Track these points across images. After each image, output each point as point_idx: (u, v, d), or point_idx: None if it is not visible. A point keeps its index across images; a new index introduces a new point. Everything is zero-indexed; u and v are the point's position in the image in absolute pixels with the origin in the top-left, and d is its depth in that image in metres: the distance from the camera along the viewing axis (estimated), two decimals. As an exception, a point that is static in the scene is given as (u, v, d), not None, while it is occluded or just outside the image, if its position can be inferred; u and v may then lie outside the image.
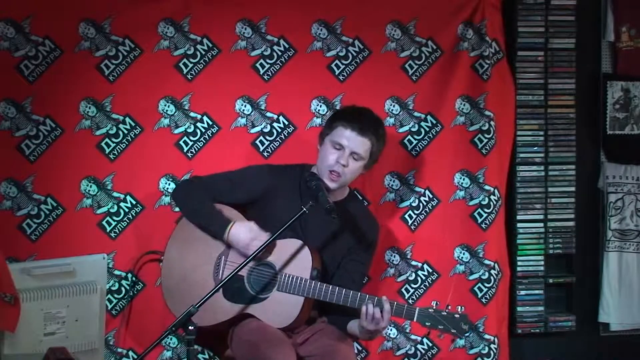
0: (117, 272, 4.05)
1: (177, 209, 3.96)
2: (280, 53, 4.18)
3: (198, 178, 3.94)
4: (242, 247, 3.66)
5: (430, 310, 3.51)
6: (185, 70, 4.11)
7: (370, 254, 3.88)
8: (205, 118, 4.14)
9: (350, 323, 3.71)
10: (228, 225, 3.69)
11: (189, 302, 3.39)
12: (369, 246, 3.86)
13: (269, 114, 4.18)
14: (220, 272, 3.71)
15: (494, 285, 4.32)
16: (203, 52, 4.12)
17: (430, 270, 4.29)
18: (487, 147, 4.31)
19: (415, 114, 4.28)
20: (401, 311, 3.54)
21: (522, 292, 4.48)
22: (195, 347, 3.43)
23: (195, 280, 3.70)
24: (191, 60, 4.12)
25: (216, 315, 3.67)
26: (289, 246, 3.63)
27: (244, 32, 4.15)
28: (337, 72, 4.23)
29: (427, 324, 3.51)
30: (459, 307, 3.53)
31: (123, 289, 4.06)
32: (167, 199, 4.08)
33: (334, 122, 3.75)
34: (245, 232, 3.67)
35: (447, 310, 3.51)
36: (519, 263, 4.48)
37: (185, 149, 4.13)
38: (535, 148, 4.50)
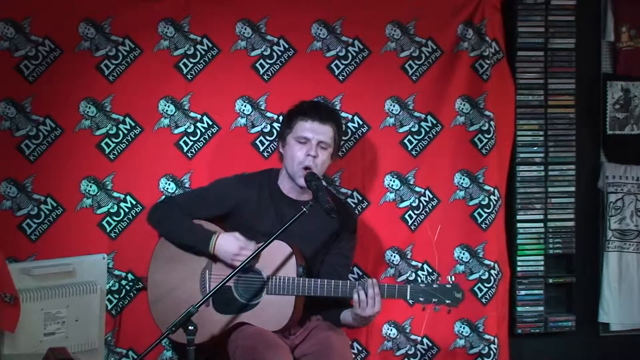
0: (117, 272, 4.05)
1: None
2: (280, 53, 4.18)
3: (171, 199, 3.95)
4: (230, 257, 3.65)
5: (421, 285, 3.58)
6: (185, 70, 4.11)
7: (352, 244, 3.90)
8: (205, 118, 4.14)
9: (343, 313, 3.73)
10: (212, 238, 3.67)
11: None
12: (350, 235, 3.88)
13: (268, 114, 4.18)
14: (207, 286, 3.71)
15: (494, 285, 4.32)
16: (203, 52, 4.12)
17: (430, 271, 4.29)
18: (487, 147, 4.31)
19: (415, 114, 4.28)
20: (393, 292, 3.59)
21: (522, 292, 4.49)
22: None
23: (183, 298, 3.66)
24: (191, 60, 4.12)
25: (211, 330, 3.67)
26: (270, 248, 3.58)
27: (244, 32, 4.15)
28: (337, 72, 4.23)
29: (420, 299, 3.57)
30: (449, 277, 3.60)
31: (123, 289, 4.07)
32: (167, 199, 4.09)
33: (291, 120, 3.76)
34: (232, 243, 3.65)
35: (438, 283, 3.57)
36: (519, 263, 4.48)
37: (185, 149, 4.13)
38: (535, 148, 4.50)
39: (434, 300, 3.56)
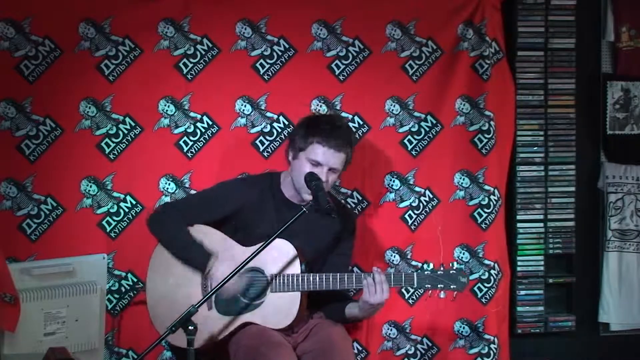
0: (117, 272, 4.05)
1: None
2: (280, 53, 4.18)
3: (172, 205, 3.95)
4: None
5: (427, 272, 3.64)
6: (185, 70, 4.11)
7: (351, 244, 3.92)
8: (205, 118, 4.14)
9: (348, 306, 3.74)
10: (210, 260, 3.66)
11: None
12: (350, 235, 3.89)
13: (269, 114, 4.18)
14: (209, 288, 3.70)
15: (494, 285, 4.32)
16: (203, 52, 4.12)
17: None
18: (487, 147, 4.31)
19: (415, 114, 4.28)
20: (400, 280, 3.64)
21: (522, 292, 4.49)
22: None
23: (182, 302, 3.62)
24: (191, 60, 4.12)
25: (216, 333, 3.67)
26: (271, 246, 3.58)
27: (244, 32, 4.15)
28: (337, 72, 4.23)
29: (427, 285, 3.63)
30: (453, 263, 3.65)
31: (123, 289, 4.06)
32: (167, 199, 4.08)
33: (308, 137, 3.72)
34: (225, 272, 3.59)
35: (442, 269, 3.62)
36: (519, 263, 4.48)
37: (185, 149, 4.13)
38: (535, 148, 4.50)
39: (439, 286, 3.62)
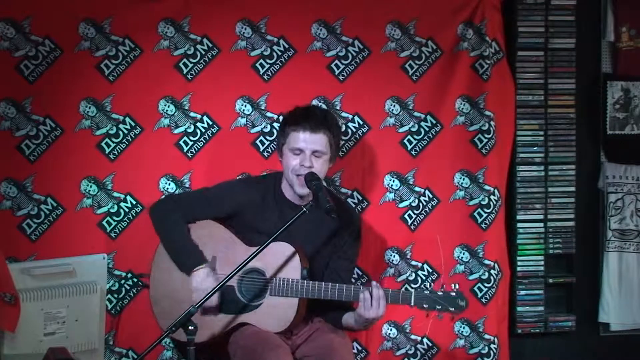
0: (117, 272, 4.05)
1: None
2: (280, 53, 4.18)
3: (174, 197, 3.95)
4: (197, 292, 3.60)
5: (426, 292, 3.56)
6: (185, 70, 4.11)
7: (356, 246, 3.89)
8: (205, 118, 4.14)
9: (345, 316, 3.73)
10: (196, 268, 3.65)
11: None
12: (354, 239, 3.87)
13: (269, 114, 4.18)
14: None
15: (494, 285, 4.32)
16: (203, 52, 4.12)
17: (430, 270, 4.29)
18: (487, 147, 4.31)
19: (415, 114, 4.28)
20: (397, 298, 3.58)
21: (522, 292, 4.49)
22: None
23: (185, 297, 3.64)
24: (191, 60, 4.12)
25: (213, 329, 3.67)
26: (274, 249, 3.59)
27: (244, 32, 4.16)
28: (337, 72, 4.23)
29: (424, 306, 3.56)
30: (454, 285, 3.58)
31: (123, 289, 4.07)
32: (167, 199, 4.09)
33: (285, 129, 3.74)
34: (208, 283, 3.62)
35: (442, 290, 3.55)
36: (519, 263, 4.48)
37: (185, 149, 4.13)
38: (535, 148, 4.50)
39: (437, 307, 3.55)
